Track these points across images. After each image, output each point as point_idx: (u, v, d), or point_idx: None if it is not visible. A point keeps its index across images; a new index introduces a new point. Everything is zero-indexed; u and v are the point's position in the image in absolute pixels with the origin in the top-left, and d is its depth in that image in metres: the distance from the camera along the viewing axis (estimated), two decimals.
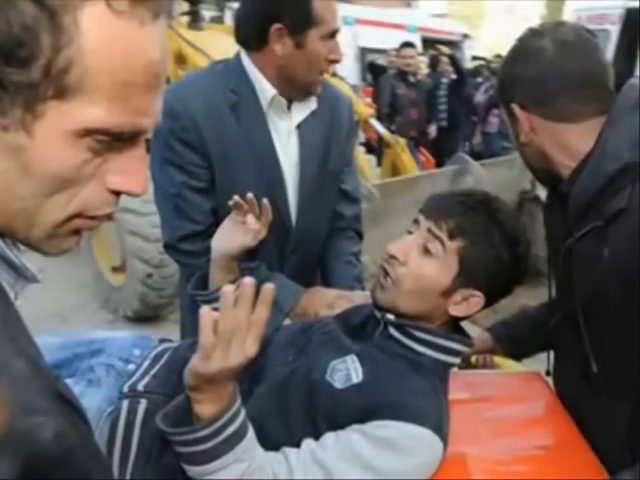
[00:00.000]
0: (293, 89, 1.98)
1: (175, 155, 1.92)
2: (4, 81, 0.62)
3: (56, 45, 0.62)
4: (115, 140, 0.70)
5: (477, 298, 1.42)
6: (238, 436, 1.18)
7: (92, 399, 1.52)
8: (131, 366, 1.64)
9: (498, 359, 2.09)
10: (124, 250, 4.84)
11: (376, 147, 8.01)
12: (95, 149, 0.69)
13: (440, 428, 1.30)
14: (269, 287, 1.10)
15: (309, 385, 1.39)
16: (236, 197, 1.64)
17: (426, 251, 1.42)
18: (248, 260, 1.87)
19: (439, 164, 8.00)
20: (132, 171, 0.75)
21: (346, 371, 1.38)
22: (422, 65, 9.77)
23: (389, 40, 10.92)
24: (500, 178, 5.91)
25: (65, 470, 0.67)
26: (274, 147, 2.00)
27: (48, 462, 0.65)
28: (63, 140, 0.67)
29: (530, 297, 2.57)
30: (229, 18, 6.95)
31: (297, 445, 1.30)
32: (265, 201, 1.67)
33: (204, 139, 1.91)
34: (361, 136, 7.49)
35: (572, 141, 1.48)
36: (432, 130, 9.06)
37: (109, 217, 0.78)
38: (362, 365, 1.39)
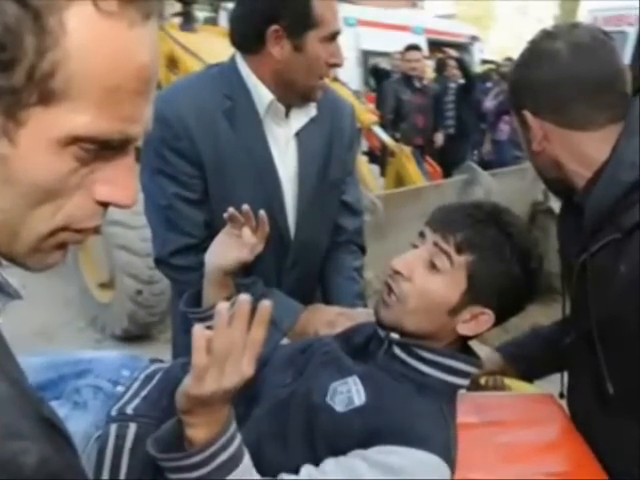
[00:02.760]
0: (291, 94, 1.98)
1: (166, 164, 1.92)
2: None
3: (40, 48, 0.62)
4: (103, 149, 0.70)
5: (486, 316, 1.42)
6: (233, 462, 1.17)
7: (78, 423, 1.51)
8: (120, 388, 1.63)
9: (509, 380, 2.09)
10: (112, 265, 4.83)
11: (379, 156, 8.00)
12: (82, 158, 0.69)
13: (447, 453, 1.30)
14: (266, 304, 1.10)
15: (308, 408, 1.39)
16: (231, 209, 1.63)
17: (432, 266, 1.41)
18: (244, 276, 1.87)
19: (446, 174, 7.97)
20: (121, 181, 0.74)
21: (348, 393, 1.38)
22: (428, 69, 9.74)
23: (393, 42, 10.92)
24: (511, 189, 5.91)
25: None
26: (271, 156, 2.01)
27: None
28: (48, 148, 0.66)
29: (543, 315, 2.57)
30: (224, 19, 6.95)
31: (296, 471, 1.29)
32: (262, 213, 1.66)
33: (197, 148, 1.91)
34: (363, 144, 7.49)
35: (587, 149, 1.49)
36: (439, 138, 9.04)
37: (96, 230, 0.78)
38: (365, 387, 1.38)
